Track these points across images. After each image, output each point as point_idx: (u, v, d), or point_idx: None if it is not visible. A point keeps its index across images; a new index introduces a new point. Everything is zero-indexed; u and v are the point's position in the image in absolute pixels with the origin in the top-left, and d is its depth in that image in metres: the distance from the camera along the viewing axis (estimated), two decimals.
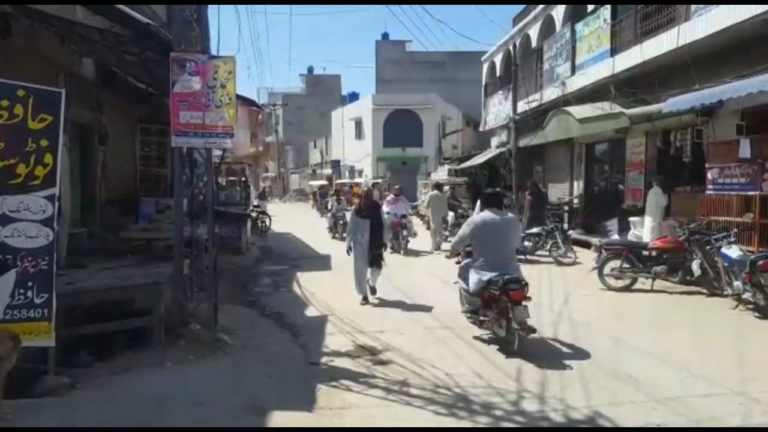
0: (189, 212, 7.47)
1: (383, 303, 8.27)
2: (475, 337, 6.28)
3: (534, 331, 5.69)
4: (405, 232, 14.07)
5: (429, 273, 10.75)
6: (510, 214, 6.97)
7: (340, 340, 6.38)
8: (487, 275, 5.89)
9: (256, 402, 4.49)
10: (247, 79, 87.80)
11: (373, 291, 8.47)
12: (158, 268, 6.74)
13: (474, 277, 6.03)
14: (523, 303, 5.66)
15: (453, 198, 19.41)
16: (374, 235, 8.31)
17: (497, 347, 5.88)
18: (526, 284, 5.89)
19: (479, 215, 6.50)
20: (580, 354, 5.72)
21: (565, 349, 5.93)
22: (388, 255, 10.10)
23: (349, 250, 8.43)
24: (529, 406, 4.45)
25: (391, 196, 15.29)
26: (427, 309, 7.77)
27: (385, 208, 12.81)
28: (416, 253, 13.75)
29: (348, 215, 13.25)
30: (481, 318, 6.12)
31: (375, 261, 8.36)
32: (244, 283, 10.08)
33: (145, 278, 6.26)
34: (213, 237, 6.52)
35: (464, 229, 6.37)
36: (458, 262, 6.99)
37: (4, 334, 4.00)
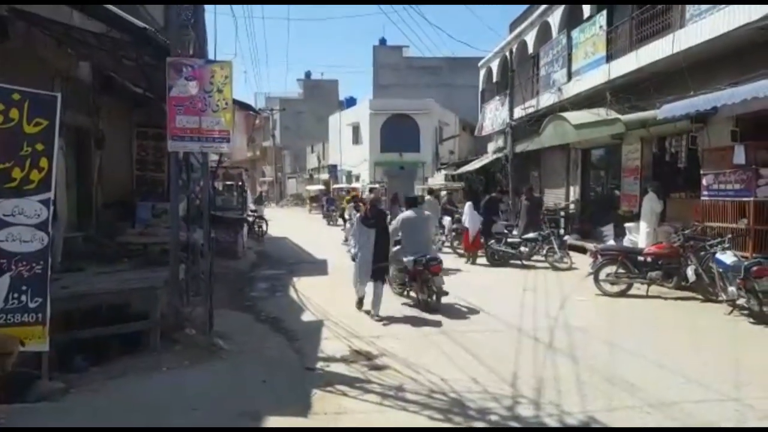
0: (185, 216, 7.48)
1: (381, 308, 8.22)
2: (403, 303, 8.45)
3: (446, 293, 8.10)
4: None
5: None
6: (427, 212, 9.75)
7: (336, 345, 6.37)
8: (413, 257, 8.14)
9: (251, 407, 4.48)
10: (244, 84, 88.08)
11: (375, 313, 7.55)
12: (154, 272, 6.73)
13: (407, 259, 8.24)
14: (440, 274, 8.10)
15: (450, 203, 19.38)
16: (379, 246, 7.71)
17: (420, 309, 7.93)
18: (441, 261, 8.33)
19: (404, 213, 8.72)
20: (576, 359, 5.73)
21: (559, 354, 5.93)
22: None
23: (354, 258, 7.98)
24: (524, 411, 4.45)
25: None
26: (423, 315, 7.77)
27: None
28: None
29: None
30: (408, 288, 8.69)
31: (378, 274, 7.74)
32: (240, 287, 10.06)
33: (141, 282, 6.24)
34: (209, 241, 6.51)
35: (394, 224, 8.64)
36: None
37: (11, 338, 4.03)
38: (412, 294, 8.55)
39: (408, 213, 8.61)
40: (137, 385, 4.90)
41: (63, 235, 7.32)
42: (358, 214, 8.17)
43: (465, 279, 10.58)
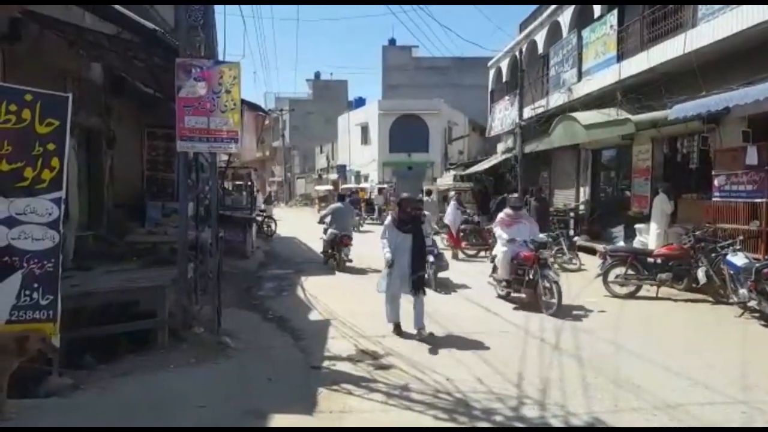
0: (194, 216, 7.55)
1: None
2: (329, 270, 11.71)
3: (351, 261, 12.09)
4: (431, 258, 9.36)
5: None
6: (348, 204, 13.82)
7: (342, 344, 6.39)
8: (335, 233, 11.89)
9: (256, 405, 4.51)
10: (254, 84, 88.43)
11: (421, 331, 6.64)
12: (163, 271, 6.79)
13: (331, 235, 11.96)
14: (348, 246, 11.93)
15: (458, 203, 19.41)
16: (416, 254, 6.78)
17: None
18: (351, 237, 12.19)
19: (333, 205, 12.81)
20: (582, 360, 5.71)
21: (566, 355, 5.92)
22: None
23: (390, 264, 6.73)
24: (529, 412, 4.45)
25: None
26: (429, 314, 7.77)
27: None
28: None
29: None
30: (330, 257, 12.24)
31: (418, 286, 6.72)
32: (248, 286, 10.12)
33: (150, 281, 6.31)
34: (217, 241, 6.57)
35: (326, 212, 12.86)
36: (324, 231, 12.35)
37: (36, 335, 4.12)
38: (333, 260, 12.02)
39: (337, 204, 12.86)
40: (144, 383, 4.95)
41: (74, 234, 7.42)
42: (389, 217, 7.16)
43: (470, 279, 10.56)
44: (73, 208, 7.54)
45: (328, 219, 12.53)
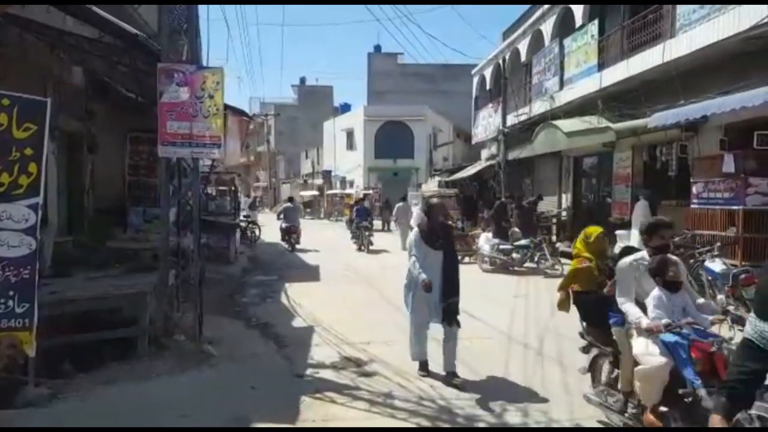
0: (177, 221, 7.47)
1: (372, 313, 8.23)
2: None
3: (299, 243, 17.57)
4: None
5: None
6: (296, 205, 19.83)
7: (326, 351, 6.36)
8: (288, 225, 17.45)
9: (239, 413, 4.48)
10: (239, 89, 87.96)
11: (451, 373, 5.30)
12: (144, 277, 6.70)
13: (285, 226, 17.35)
14: (296, 233, 17.42)
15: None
16: (449, 276, 5.40)
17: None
18: (298, 227, 17.67)
19: (284, 205, 18.74)
20: (564, 366, 5.75)
21: (548, 361, 5.95)
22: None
23: (429, 288, 5.26)
24: (512, 419, 4.47)
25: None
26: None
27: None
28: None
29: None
30: (287, 242, 17.41)
31: (450, 315, 5.35)
32: (231, 293, 10.03)
33: (130, 288, 6.21)
34: (199, 247, 6.51)
35: (280, 210, 19.06)
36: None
37: (7, 340, 4.05)
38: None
39: (287, 204, 19.02)
40: (125, 392, 4.88)
41: (53, 240, 7.29)
42: (415, 229, 5.76)
43: None
44: (52, 214, 7.42)
45: (282, 216, 18.22)
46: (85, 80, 8.84)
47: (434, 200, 6.27)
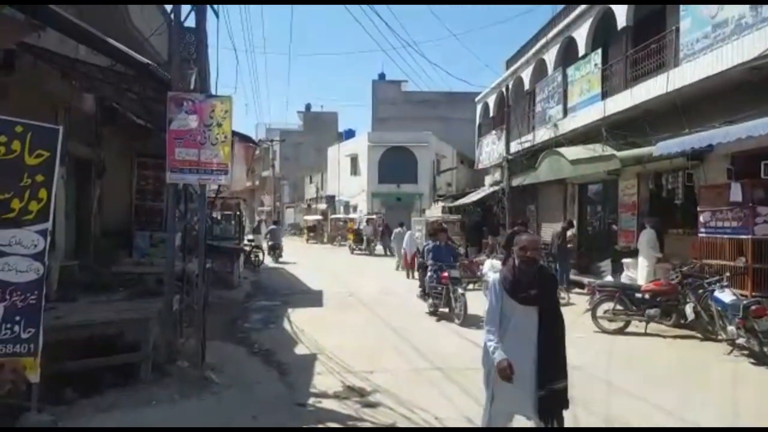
0: (182, 246, 7.48)
1: (375, 340, 8.15)
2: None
3: (282, 256, 22.60)
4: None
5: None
6: (279, 227, 26.75)
7: (329, 380, 6.29)
8: (273, 242, 22.93)
9: None
10: (245, 115, 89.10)
11: None
12: (149, 303, 6.68)
13: (271, 244, 22.75)
14: (279, 249, 22.85)
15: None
16: (548, 348, 3.62)
17: None
18: (281, 245, 23.10)
19: (271, 227, 25.25)
20: (572, 399, 5.64)
21: None
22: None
23: (509, 373, 3.48)
24: None
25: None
26: (417, 348, 7.70)
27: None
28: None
29: None
30: (272, 255, 22.23)
31: (552, 407, 3.64)
32: (234, 318, 9.98)
33: (135, 313, 6.19)
34: (203, 273, 6.50)
35: (266, 231, 24.65)
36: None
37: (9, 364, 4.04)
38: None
39: (272, 227, 24.27)
40: (126, 419, 4.82)
41: (60, 264, 7.30)
42: (493, 276, 4.03)
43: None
44: (59, 238, 7.45)
45: (268, 236, 23.42)
46: (95, 106, 8.97)
47: (519, 229, 4.14)
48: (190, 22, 6.45)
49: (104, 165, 9.40)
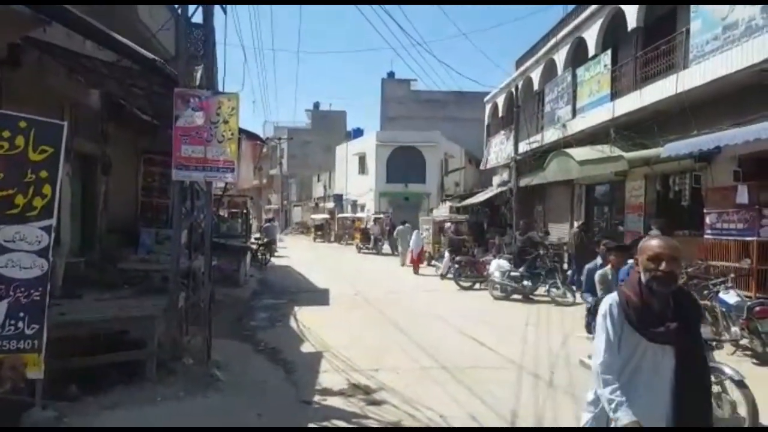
0: (188, 244, 7.49)
1: (380, 339, 8.14)
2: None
3: (276, 251, 22.71)
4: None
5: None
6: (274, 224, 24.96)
7: (334, 378, 6.28)
8: (268, 238, 21.61)
9: None
10: (252, 113, 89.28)
11: None
12: (154, 300, 6.70)
13: (266, 240, 21.46)
14: (275, 245, 22.69)
15: (457, 233, 19.91)
16: (690, 400, 2.56)
17: None
18: (275, 241, 23.21)
19: (266, 224, 23.82)
20: (576, 398, 5.61)
21: (560, 392, 5.82)
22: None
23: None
24: None
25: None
26: (423, 347, 7.68)
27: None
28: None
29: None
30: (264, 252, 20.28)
31: None
32: (240, 316, 9.99)
33: (140, 310, 6.20)
34: (209, 271, 6.50)
35: (263, 229, 24.48)
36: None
37: (9, 361, 4.04)
38: None
39: (267, 224, 23.40)
40: (131, 416, 4.83)
41: (65, 260, 7.33)
42: (609, 300, 2.68)
43: (462, 312, 10.48)
44: (64, 234, 7.48)
45: (263, 232, 23.33)
46: (101, 102, 8.99)
47: (654, 232, 2.79)
48: (198, 18, 6.46)
49: (110, 161, 9.43)
